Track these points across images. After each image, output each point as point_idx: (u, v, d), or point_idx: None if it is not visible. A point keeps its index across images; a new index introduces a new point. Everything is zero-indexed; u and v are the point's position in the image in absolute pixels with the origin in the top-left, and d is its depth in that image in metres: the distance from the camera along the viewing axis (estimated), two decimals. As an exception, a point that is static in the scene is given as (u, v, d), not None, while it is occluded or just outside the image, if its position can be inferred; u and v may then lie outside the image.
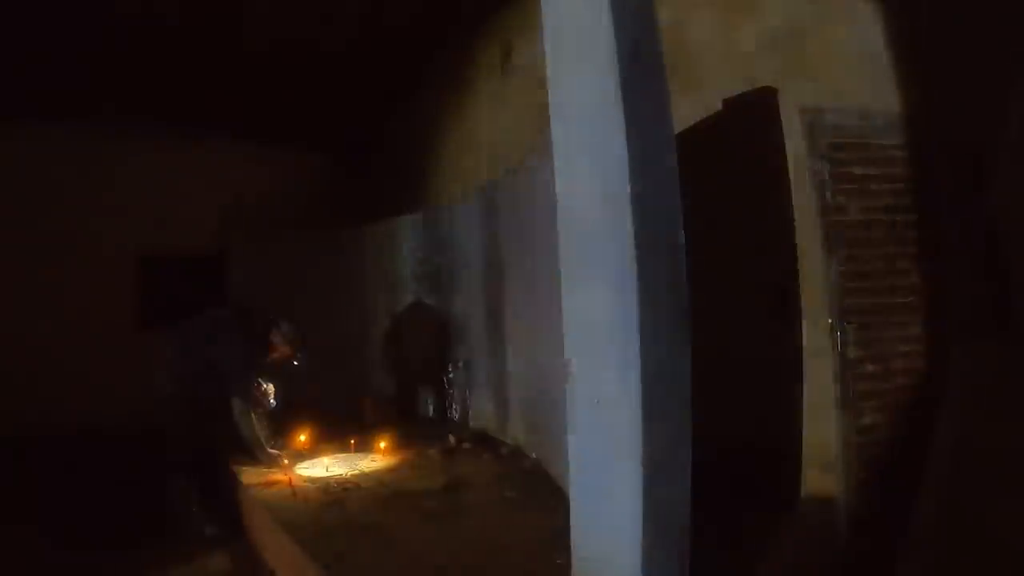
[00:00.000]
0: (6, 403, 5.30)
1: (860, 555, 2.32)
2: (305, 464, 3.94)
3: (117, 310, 6.37)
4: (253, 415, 3.69)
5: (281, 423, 4.22)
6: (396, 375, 5.59)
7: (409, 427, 4.78)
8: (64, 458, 4.99)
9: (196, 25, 5.07)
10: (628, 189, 1.67)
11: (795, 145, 2.79)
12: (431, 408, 5.26)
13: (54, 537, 3.52)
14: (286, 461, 3.72)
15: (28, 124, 5.83)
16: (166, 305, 5.28)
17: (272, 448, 3.84)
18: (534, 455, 3.83)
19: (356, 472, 3.77)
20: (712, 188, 2.98)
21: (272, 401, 3.95)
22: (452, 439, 4.34)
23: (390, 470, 3.82)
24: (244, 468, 3.78)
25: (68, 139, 6.11)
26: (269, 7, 5.08)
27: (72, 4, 4.54)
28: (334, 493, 3.39)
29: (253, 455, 3.69)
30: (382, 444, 4.17)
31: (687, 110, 3.22)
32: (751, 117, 3.11)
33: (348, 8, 5.28)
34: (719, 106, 3.27)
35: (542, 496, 3.16)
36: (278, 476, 3.54)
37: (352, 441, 4.23)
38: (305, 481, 3.60)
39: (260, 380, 3.86)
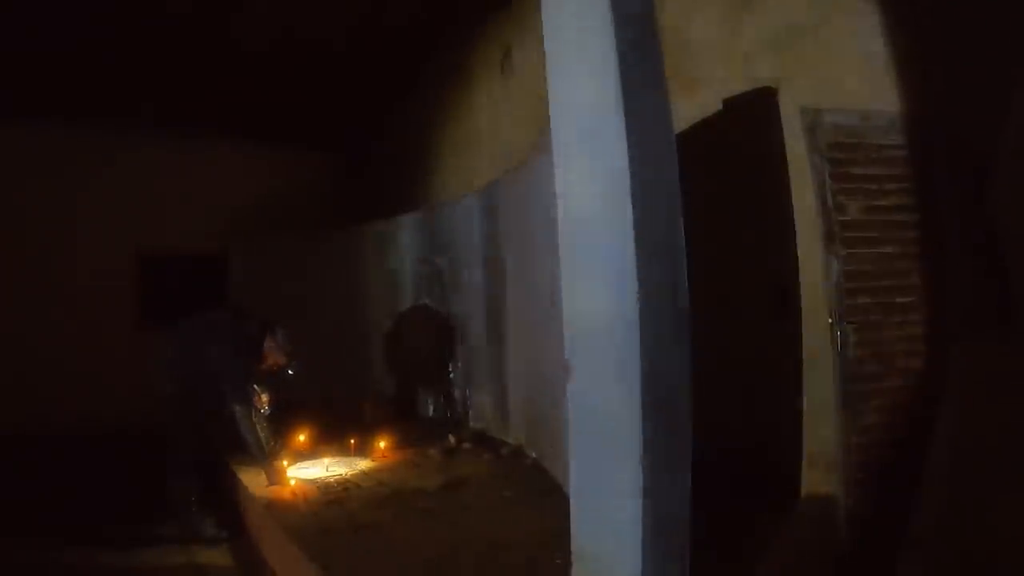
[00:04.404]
0: (6, 402, 5.30)
1: (860, 555, 2.31)
2: (305, 464, 3.94)
3: (117, 310, 6.37)
4: (253, 418, 3.68)
5: (281, 424, 4.22)
6: (396, 375, 5.59)
7: (409, 427, 4.79)
8: (64, 458, 4.99)
9: (196, 25, 5.07)
10: (628, 189, 1.67)
11: (795, 145, 2.79)
12: (431, 408, 5.26)
13: (54, 537, 3.52)
14: (286, 463, 3.72)
15: (28, 123, 5.83)
16: (166, 305, 5.28)
17: (272, 449, 3.83)
18: (534, 455, 3.83)
19: (356, 472, 3.77)
20: (712, 188, 2.98)
21: (266, 408, 3.96)
22: (452, 439, 4.34)
23: (390, 470, 3.82)
24: (244, 468, 3.78)
25: (68, 139, 6.11)
26: (269, 6, 5.08)
27: (72, 3, 4.54)
28: (334, 493, 3.40)
29: (254, 457, 3.68)
30: (382, 444, 4.18)
31: (687, 110, 3.23)
32: (751, 117, 3.11)
33: (348, 8, 5.28)
34: (719, 106, 3.27)
35: (542, 496, 3.17)
36: (282, 490, 3.50)
37: (352, 441, 4.23)
38: (305, 481, 3.60)
39: (256, 387, 3.85)
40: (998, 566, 1.63)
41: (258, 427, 3.67)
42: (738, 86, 3.19)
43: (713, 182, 3.02)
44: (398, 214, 5.83)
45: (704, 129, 3.29)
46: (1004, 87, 2.23)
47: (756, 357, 3.16)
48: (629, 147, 1.68)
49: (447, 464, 3.92)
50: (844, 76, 2.76)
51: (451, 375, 5.07)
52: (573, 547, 1.88)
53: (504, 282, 4.33)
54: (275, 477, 3.53)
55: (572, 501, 1.88)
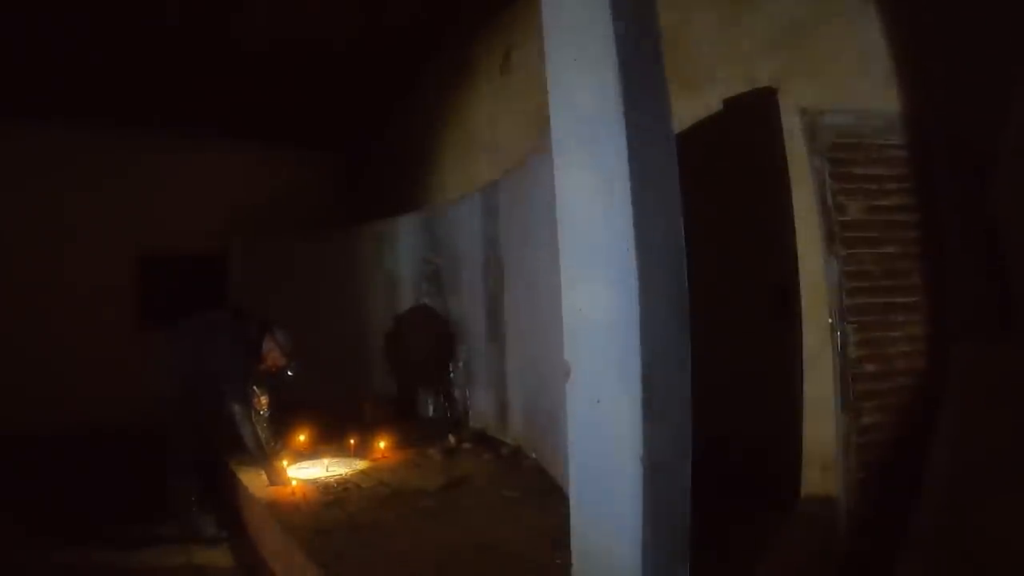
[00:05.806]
0: (6, 403, 5.30)
1: (860, 555, 2.31)
2: (305, 464, 3.94)
3: (117, 310, 6.37)
4: (253, 418, 3.68)
5: (281, 424, 4.21)
6: (396, 375, 5.59)
7: (409, 427, 4.79)
8: (64, 458, 4.99)
9: (196, 25, 5.07)
10: (628, 189, 1.67)
11: (795, 145, 2.79)
12: (431, 408, 5.26)
13: (54, 537, 3.52)
14: (286, 463, 3.72)
15: (28, 124, 5.83)
16: (166, 305, 5.27)
17: (273, 449, 3.83)
18: (534, 455, 3.83)
19: (356, 472, 3.77)
20: (712, 188, 2.98)
21: (265, 411, 3.95)
22: (452, 439, 4.34)
23: (390, 470, 3.82)
24: (244, 468, 3.78)
25: (68, 139, 6.11)
26: (269, 6, 5.08)
27: (73, 5, 4.54)
28: (334, 493, 3.40)
29: (254, 457, 3.68)
30: (382, 444, 4.17)
31: (687, 110, 3.23)
32: (751, 117, 3.11)
33: (348, 8, 5.28)
34: (719, 106, 3.27)
35: (541, 495, 3.17)
36: (282, 490, 3.48)
37: (352, 441, 4.22)
38: (305, 482, 3.60)
39: (255, 388, 3.85)
40: (998, 567, 1.63)
41: (258, 427, 3.67)
42: (738, 86, 3.19)
43: (713, 182, 3.02)
44: (398, 214, 5.83)
45: (704, 129, 3.29)
46: (1004, 87, 2.23)
47: (756, 357, 3.16)
48: (629, 147, 1.68)
49: (447, 464, 3.92)
50: (844, 76, 2.76)
51: (451, 375, 5.07)
52: (573, 547, 1.88)
53: (504, 282, 4.33)
54: (275, 477, 3.52)
55: (572, 501, 1.88)
